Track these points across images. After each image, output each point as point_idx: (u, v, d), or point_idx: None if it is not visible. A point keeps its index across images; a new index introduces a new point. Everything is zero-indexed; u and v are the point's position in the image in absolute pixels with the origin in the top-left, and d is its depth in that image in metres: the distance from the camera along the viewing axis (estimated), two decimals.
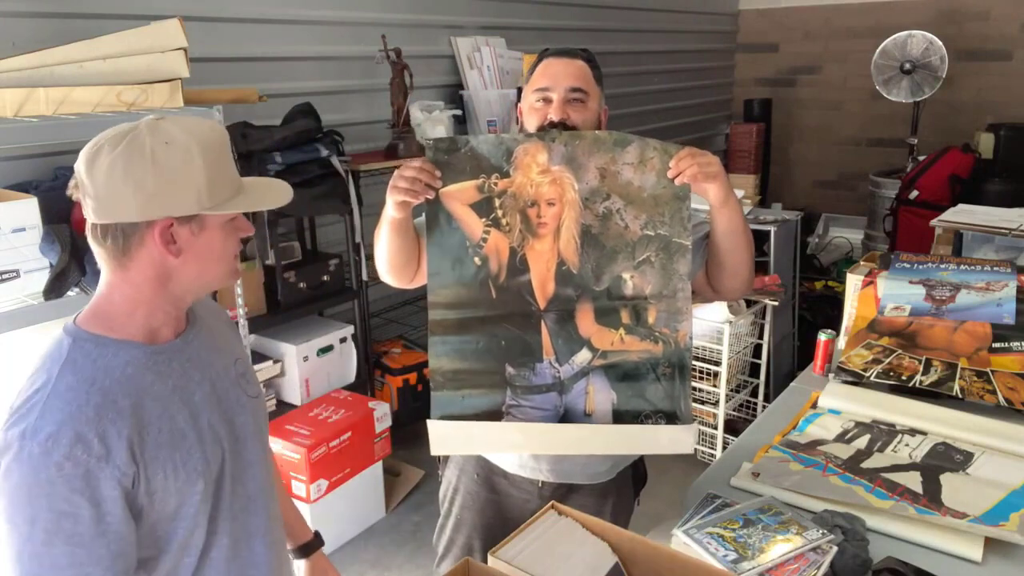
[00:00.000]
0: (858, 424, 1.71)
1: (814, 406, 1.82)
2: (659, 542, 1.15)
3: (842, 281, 3.34)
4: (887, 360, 1.86)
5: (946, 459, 1.55)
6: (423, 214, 1.38)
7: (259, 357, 2.88)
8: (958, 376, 1.77)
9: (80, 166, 0.97)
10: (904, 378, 1.80)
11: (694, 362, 2.94)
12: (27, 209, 1.92)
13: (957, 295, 1.95)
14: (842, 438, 1.66)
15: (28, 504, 0.91)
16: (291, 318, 2.94)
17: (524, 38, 4.19)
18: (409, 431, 3.20)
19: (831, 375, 1.92)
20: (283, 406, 2.96)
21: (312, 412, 2.83)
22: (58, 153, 2.37)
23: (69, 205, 1.98)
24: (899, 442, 1.62)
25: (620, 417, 1.34)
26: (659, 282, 1.33)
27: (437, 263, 1.34)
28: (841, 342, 2.03)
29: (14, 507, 0.92)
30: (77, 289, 2.02)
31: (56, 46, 1.96)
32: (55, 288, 1.96)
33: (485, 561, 1.15)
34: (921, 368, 1.81)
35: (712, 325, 3.12)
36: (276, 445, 2.66)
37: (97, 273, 1.05)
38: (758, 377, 3.47)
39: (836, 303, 4.10)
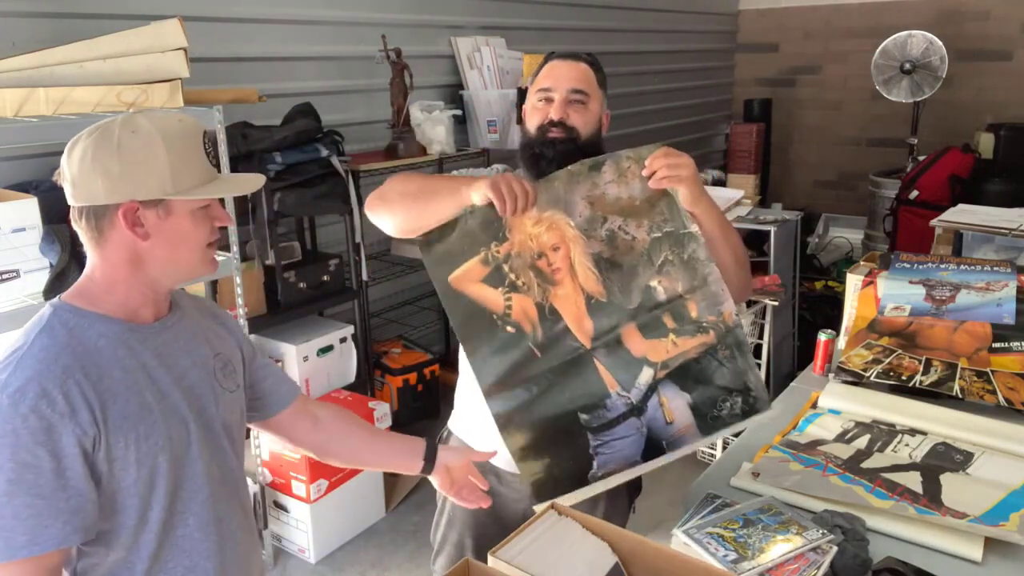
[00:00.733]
0: (858, 424, 1.71)
1: (814, 406, 1.82)
2: (659, 542, 1.15)
3: (842, 281, 3.33)
4: (887, 360, 1.86)
5: (946, 459, 1.55)
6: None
7: None
8: (958, 376, 1.77)
9: (64, 154, 1.06)
10: (904, 378, 1.80)
11: None
12: (27, 209, 1.92)
13: (957, 295, 1.95)
14: (842, 438, 1.66)
15: None
16: (291, 318, 2.94)
17: (524, 38, 4.19)
18: (409, 431, 3.17)
19: (831, 375, 1.92)
20: None
21: None
22: (58, 153, 2.32)
23: (69, 205, 1.98)
24: (899, 442, 1.62)
25: (698, 411, 1.36)
26: (686, 276, 1.34)
27: (481, 356, 1.34)
28: (841, 342, 2.03)
29: None
30: None
31: (56, 46, 1.95)
32: (55, 288, 1.96)
33: (479, 557, 1.15)
34: (921, 368, 1.81)
35: None
36: (276, 445, 2.66)
37: None
38: None
39: (836, 303, 4.10)
